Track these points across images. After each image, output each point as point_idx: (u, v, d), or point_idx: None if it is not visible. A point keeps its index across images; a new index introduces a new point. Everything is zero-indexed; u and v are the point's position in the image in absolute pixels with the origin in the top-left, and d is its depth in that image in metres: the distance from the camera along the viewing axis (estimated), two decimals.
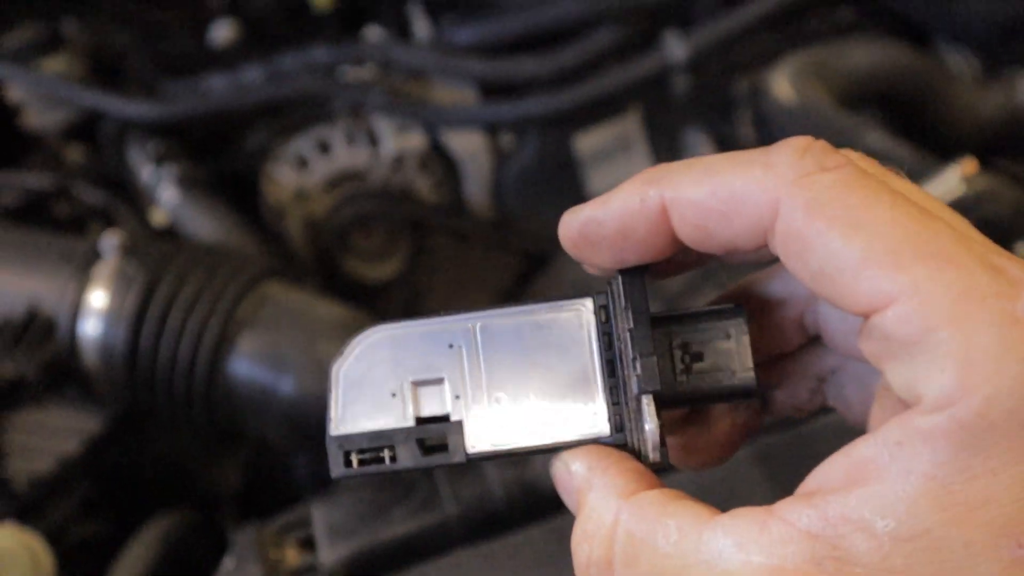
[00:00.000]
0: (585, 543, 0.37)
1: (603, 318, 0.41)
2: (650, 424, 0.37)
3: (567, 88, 1.14)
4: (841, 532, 0.32)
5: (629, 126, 1.21)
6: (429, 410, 0.40)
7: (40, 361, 0.87)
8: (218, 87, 1.20)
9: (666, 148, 1.24)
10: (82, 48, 1.30)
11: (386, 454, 0.39)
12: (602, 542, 0.36)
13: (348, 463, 0.40)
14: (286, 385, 0.86)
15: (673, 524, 0.35)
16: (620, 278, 0.39)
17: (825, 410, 0.44)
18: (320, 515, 0.70)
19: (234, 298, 0.87)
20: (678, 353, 0.40)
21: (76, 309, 0.88)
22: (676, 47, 1.15)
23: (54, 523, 0.87)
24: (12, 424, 0.88)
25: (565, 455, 0.39)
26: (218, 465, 1.06)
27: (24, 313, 0.89)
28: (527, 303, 0.41)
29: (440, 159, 1.19)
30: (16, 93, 1.27)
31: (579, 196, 1.21)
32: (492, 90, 1.19)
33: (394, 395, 0.40)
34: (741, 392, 0.40)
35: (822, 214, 0.33)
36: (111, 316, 0.88)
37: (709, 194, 0.36)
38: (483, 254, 1.20)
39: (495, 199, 1.21)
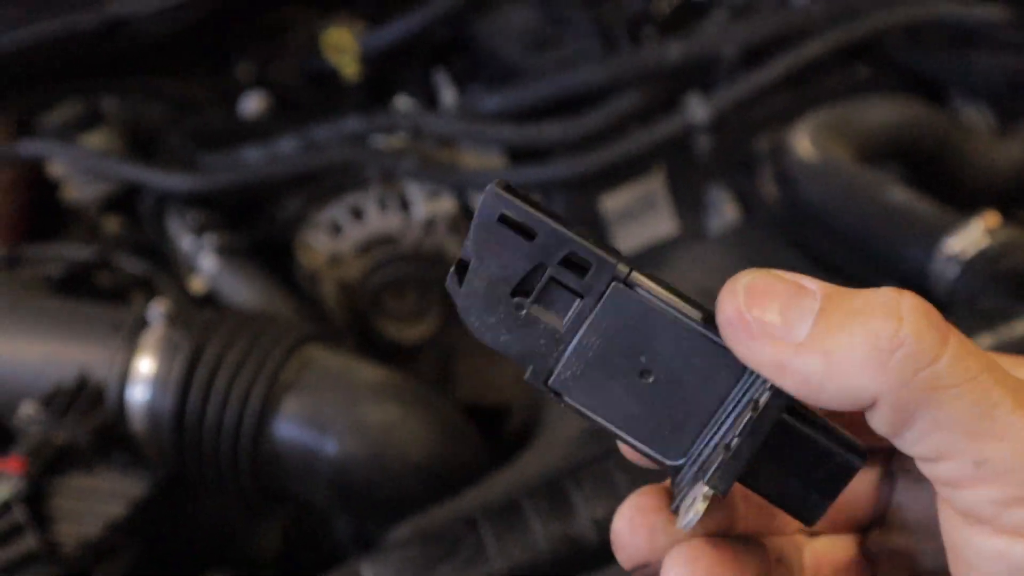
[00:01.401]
0: None
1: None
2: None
3: (592, 151, 1.17)
4: None
5: (653, 185, 1.24)
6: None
7: (90, 427, 0.89)
8: (253, 158, 1.24)
9: (690, 206, 1.26)
10: (120, 124, 1.34)
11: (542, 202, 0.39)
12: None
13: (508, 189, 0.39)
14: (330, 447, 0.88)
15: None
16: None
17: None
18: (369, 573, 0.72)
19: (278, 362, 0.90)
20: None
21: (125, 376, 0.91)
22: (698, 109, 1.18)
23: None
24: (62, 489, 0.90)
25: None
26: (258, 527, 1.07)
27: (75, 380, 0.91)
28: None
29: (470, 222, 1.22)
30: (57, 168, 1.31)
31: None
32: (519, 155, 1.23)
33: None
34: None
35: None
36: (158, 382, 0.90)
37: None
38: None
39: None
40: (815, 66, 1.22)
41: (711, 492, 0.37)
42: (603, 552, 0.69)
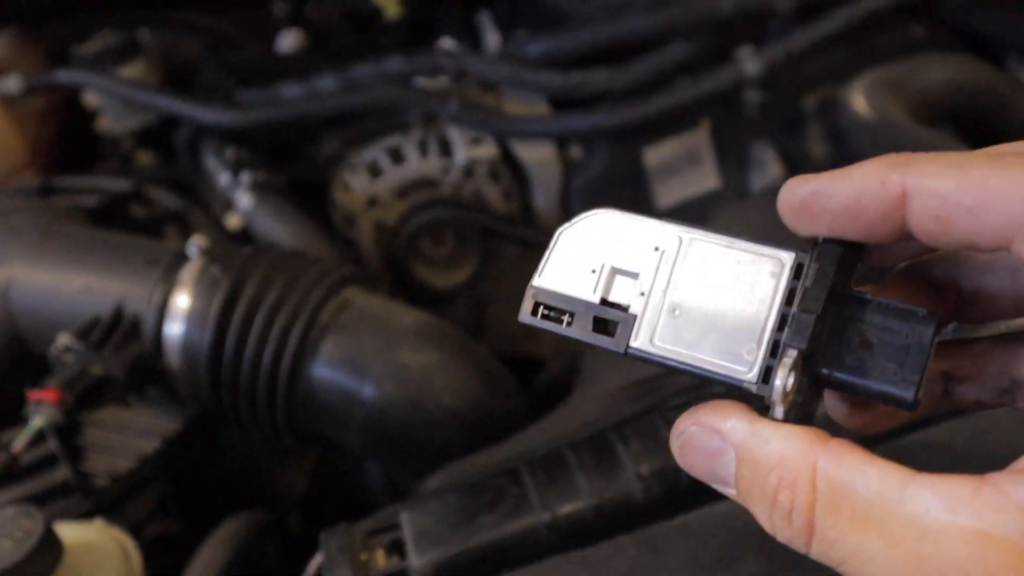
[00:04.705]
0: (787, 490, 0.36)
1: (794, 275, 0.41)
2: (779, 380, 0.38)
3: (639, 101, 1.15)
4: None
5: (698, 140, 1.22)
6: (615, 296, 0.44)
7: (126, 361, 0.88)
8: (292, 95, 1.22)
9: (734, 162, 1.24)
10: (156, 56, 1.32)
11: (565, 319, 0.44)
12: (804, 487, 0.36)
13: (535, 313, 0.44)
14: (367, 391, 0.86)
15: (874, 473, 0.35)
16: (822, 242, 0.40)
17: None
18: (409, 520, 0.70)
19: (317, 303, 0.88)
20: (850, 335, 0.40)
21: (162, 310, 0.90)
22: (749, 62, 1.15)
23: (133, 520, 0.88)
24: (96, 421, 0.89)
25: (705, 415, 0.39)
26: (285, 469, 1.07)
27: (112, 313, 0.90)
28: (741, 238, 0.42)
29: (510, 169, 1.20)
30: (92, 99, 1.30)
31: (647, 208, 1.22)
32: (563, 102, 1.20)
33: (593, 272, 0.44)
34: (895, 401, 0.39)
35: None
36: (196, 318, 0.89)
37: (957, 188, 0.35)
38: None
39: (563, 209, 1.22)
40: (871, 23, 1.18)
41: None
42: (649, 509, 0.68)
